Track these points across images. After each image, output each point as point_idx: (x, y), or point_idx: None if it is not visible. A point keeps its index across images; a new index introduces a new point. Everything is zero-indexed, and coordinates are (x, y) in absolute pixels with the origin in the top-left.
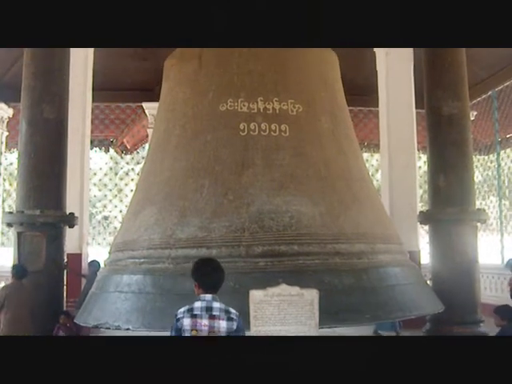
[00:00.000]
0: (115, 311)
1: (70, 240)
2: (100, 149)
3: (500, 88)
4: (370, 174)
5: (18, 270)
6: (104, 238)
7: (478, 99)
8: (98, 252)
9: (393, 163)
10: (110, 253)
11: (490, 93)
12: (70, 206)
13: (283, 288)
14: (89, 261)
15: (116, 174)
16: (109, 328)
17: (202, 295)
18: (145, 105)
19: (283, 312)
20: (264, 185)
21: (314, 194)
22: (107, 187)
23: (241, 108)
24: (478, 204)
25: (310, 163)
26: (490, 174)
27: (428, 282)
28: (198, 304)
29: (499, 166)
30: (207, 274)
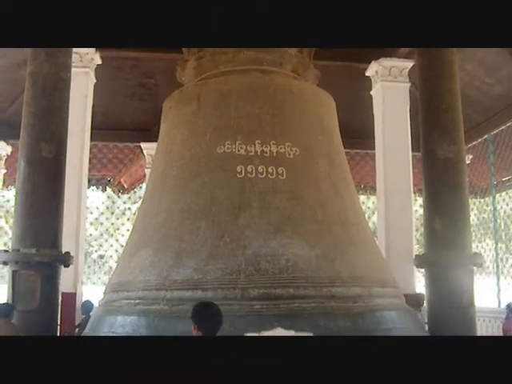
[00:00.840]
0: None
1: (65, 279)
2: (97, 188)
3: (495, 132)
4: (367, 216)
5: (1, 308)
6: (99, 278)
7: (474, 143)
8: (92, 291)
9: (389, 206)
10: (104, 293)
11: (485, 136)
12: (66, 245)
13: (278, 331)
14: (82, 301)
15: (112, 213)
16: None
17: None
18: (143, 145)
19: None
20: (260, 227)
21: (310, 237)
22: (103, 226)
23: (238, 150)
24: (474, 247)
25: (307, 206)
26: (485, 216)
27: (424, 325)
28: None
29: (495, 209)
30: (207, 318)
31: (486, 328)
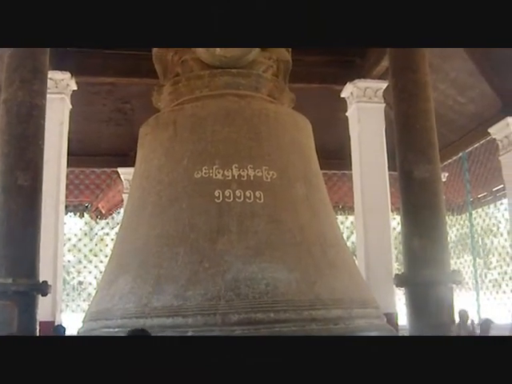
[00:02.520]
0: None
1: (43, 307)
2: (75, 214)
3: (470, 150)
4: (346, 236)
5: None
6: (78, 305)
7: (449, 161)
8: (71, 318)
9: (367, 225)
10: (83, 322)
11: (460, 154)
12: (44, 273)
13: None
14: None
15: (91, 239)
16: None
17: None
18: (120, 170)
19: None
20: (239, 252)
21: (289, 261)
22: (82, 252)
23: (215, 175)
24: (452, 263)
25: (285, 229)
26: (462, 232)
27: None
28: None
29: (472, 225)
30: None
31: None
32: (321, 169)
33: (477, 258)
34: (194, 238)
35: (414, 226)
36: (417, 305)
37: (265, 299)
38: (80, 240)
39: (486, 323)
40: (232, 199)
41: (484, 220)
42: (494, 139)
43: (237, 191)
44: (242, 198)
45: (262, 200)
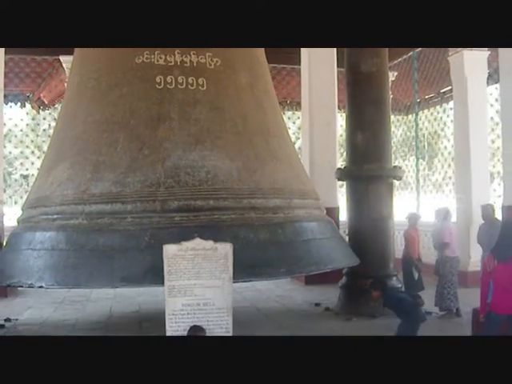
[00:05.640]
0: (28, 269)
1: None
2: (15, 104)
3: (420, 49)
4: (292, 132)
5: None
6: (21, 197)
7: (399, 59)
8: (14, 211)
9: (314, 121)
10: (22, 210)
11: (410, 53)
12: None
13: (197, 242)
14: None
15: (33, 130)
16: (22, 286)
17: None
18: (62, 58)
19: (197, 266)
20: (180, 139)
21: (230, 149)
22: (24, 144)
23: (157, 60)
24: (398, 163)
25: (227, 118)
26: (409, 135)
27: (345, 237)
28: None
29: (417, 125)
30: None
31: (401, 238)
32: (269, 62)
33: (420, 159)
34: (134, 125)
35: (358, 121)
36: (357, 199)
37: (205, 187)
38: (21, 131)
39: (414, 216)
40: (174, 85)
41: (431, 123)
42: None
43: (179, 77)
44: (185, 85)
45: (205, 87)
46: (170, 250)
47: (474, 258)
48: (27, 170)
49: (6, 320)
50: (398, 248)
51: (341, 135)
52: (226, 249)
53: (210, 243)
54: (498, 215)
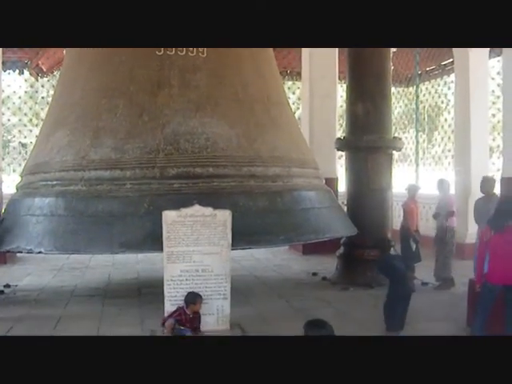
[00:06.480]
0: (27, 235)
1: None
2: (13, 71)
3: None
4: (292, 102)
5: None
6: (19, 165)
7: None
8: (13, 178)
9: (314, 92)
10: (21, 176)
11: None
12: None
13: (196, 209)
14: None
15: (31, 97)
16: (21, 252)
17: None
18: None
19: (196, 233)
20: (180, 106)
21: (230, 116)
22: (22, 112)
23: None
24: (397, 135)
25: (228, 85)
26: (410, 107)
27: (343, 207)
28: None
29: (417, 97)
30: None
31: (399, 210)
32: None
33: (420, 132)
34: (133, 91)
35: (359, 92)
36: (356, 169)
37: (204, 154)
38: (19, 98)
39: (414, 188)
40: (174, 52)
41: (432, 96)
42: None
43: None
44: (185, 52)
45: (205, 54)
46: (169, 216)
47: (472, 230)
48: (25, 137)
49: (5, 286)
50: (395, 219)
51: (341, 106)
52: (224, 216)
53: (209, 210)
54: (497, 189)
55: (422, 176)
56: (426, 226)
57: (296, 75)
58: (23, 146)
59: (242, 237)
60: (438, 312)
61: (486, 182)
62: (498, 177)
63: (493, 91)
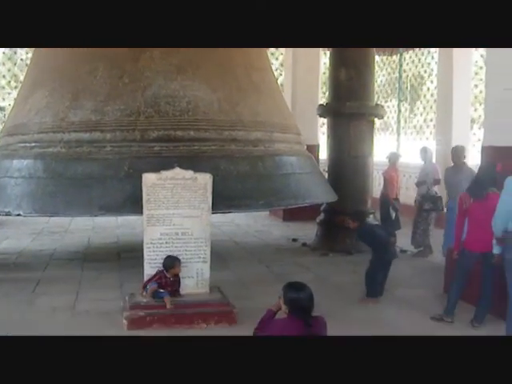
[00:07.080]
0: (5, 197)
1: None
2: None
3: None
4: (275, 68)
5: None
6: None
7: None
8: None
9: (297, 58)
10: None
11: None
12: None
13: (177, 172)
14: None
15: (9, 59)
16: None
17: None
18: None
19: (177, 196)
20: (161, 68)
21: (212, 80)
22: (1, 74)
23: None
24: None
25: (210, 49)
26: (392, 75)
27: (324, 174)
28: None
29: (401, 66)
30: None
31: (379, 178)
32: None
33: (402, 101)
34: (114, 53)
35: (342, 57)
36: (338, 135)
37: (185, 117)
38: (4, 65)
39: (394, 155)
40: None
41: (416, 65)
42: None
43: None
44: None
45: None
46: (149, 178)
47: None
48: (4, 100)
49: None
50: (376, 188)
51: (324, 73)
52: (205, 179)
53: (189, 173)
54: (472, 159)
55: (404, 145)
56: (406, 195)
57: None
58: (1, 108)
59: (222, 201)
60: (415, 279)
61: (456, 152)
62: (479, 146)
63: (476, 62)
